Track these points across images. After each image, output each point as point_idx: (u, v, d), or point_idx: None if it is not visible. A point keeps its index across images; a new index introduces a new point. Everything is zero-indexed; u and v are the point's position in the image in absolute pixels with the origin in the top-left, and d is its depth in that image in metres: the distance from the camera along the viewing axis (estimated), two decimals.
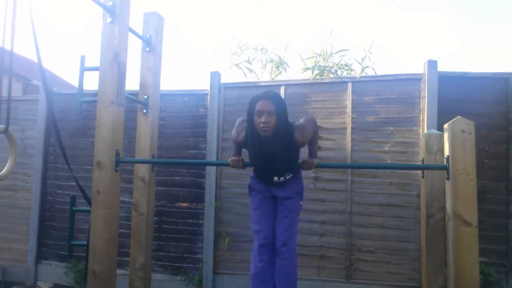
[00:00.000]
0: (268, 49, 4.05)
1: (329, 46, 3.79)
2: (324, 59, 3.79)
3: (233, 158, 1.98)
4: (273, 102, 1.77)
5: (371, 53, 3.57)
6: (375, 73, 3.50)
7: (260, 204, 2.08)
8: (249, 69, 4.00)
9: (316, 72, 3.67)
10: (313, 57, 3.76)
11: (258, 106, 1.76)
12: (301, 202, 2.11)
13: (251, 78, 4.01)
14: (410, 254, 3.01)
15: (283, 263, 1.98)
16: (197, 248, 3.38)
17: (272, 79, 3.91)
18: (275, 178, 2.02)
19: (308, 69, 3.72)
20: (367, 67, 3.48)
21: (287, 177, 2.03)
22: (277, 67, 3.96)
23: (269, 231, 2.04)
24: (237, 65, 3.99)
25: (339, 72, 3.84)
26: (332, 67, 3.82)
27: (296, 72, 4.24)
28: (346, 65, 3.82)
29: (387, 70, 4.49)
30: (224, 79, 3.50)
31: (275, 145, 1.84)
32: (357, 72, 3.73)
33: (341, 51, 3.79)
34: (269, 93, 1.84)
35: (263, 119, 1.74)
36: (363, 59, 3.53)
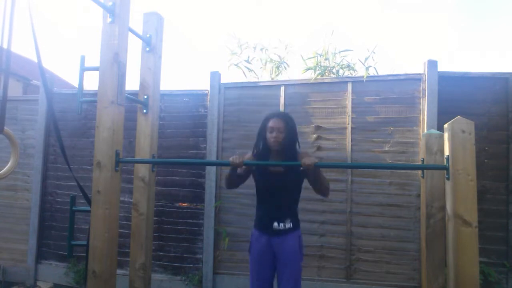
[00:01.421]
0: (268, 48, 4.04)
1: (331, 46, 3.79)
2: (326, 59, 3.79)
3: (233, 156, 1.97)
4: (284, 120, 2.03)
5: (374, 53, 3.56)
6: (377, 73, 3.49)
7: (260, 268, 2.06)
8: (248, 68, 3.99)
9: (318, 72, 3.67)
10: (314, 57, 3.75)
11: (270, 123, 2.02)
12: (302, 262, 2.08)
13: (250, 77, 4.00)
14: (410, 254, 3.01)
15: None
16: (197, 248, 3.38)
17: (272, 79, 3.90)
18: (275, 224, 2.01)
19: (309, 69, 3.71)
20: (370, 66, 3.47)
21: (286, 225, 2.01)
22: (277, 67, 3.95)
23: None
24: (236, 65, 3.98)
25: (340, 72, 3.83)
26: (333, 67, 3.81)
27: (298, 72, 4.22)
28: (348, 65, 3.81)
29: (393, 70, 4.46)
30: (224, 79, 3.50)
31: (281, 159, 2.03)
32: (359, 72, 3.73)
33: (344, 51, 3.79)
34: (281, 113, 2.17)
35: (274, 134, 1.99)
36: (366, 59, 3.53)
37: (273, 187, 2.04)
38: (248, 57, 3.98)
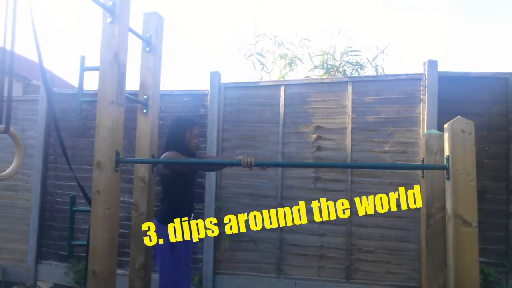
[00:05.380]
0: (284, 42, 3.98)
1: (339, 45, 3.81)
2: (333, 58, 3.78)
3: (244, 157, 1.93)
4: None
5: (383, 52, 3.56)
6: (384, 73, 3.50)
7: (183, 263, 2.25)
8: (260, 61, 3.95)
9: (324, 70, 3.67)
10: (322, 54, 3.74)
11: (195, 130, 2.38)
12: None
13: (259, 70, 3.98)
14: (410, 254, 3.01)
15: None
16: (197, 248, 3.38)
17: (283, 75, 3.88)
18: (192, 216, 2.36)
19: (317, 67, 3.71)
20: (377, 66, 3.48)
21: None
22: (289, 64, 3.90)
23: None
24: (248, 57, 3.95)
25: (348, 71, 3.83)
26: (340, 65, 3.81)
27: (303, 70, 4.21)
28: (357, 63, 3.80)
29: (396, 69, 4.47)
30: (226, 76, 3.53)
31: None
32: (367, 71, 3.73)
33: (352, 51, 3.78)
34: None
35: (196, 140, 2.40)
36: (374, 59, 3.53)
37: (193, 181, 2.37)
38: (262, 49, 3.94)
